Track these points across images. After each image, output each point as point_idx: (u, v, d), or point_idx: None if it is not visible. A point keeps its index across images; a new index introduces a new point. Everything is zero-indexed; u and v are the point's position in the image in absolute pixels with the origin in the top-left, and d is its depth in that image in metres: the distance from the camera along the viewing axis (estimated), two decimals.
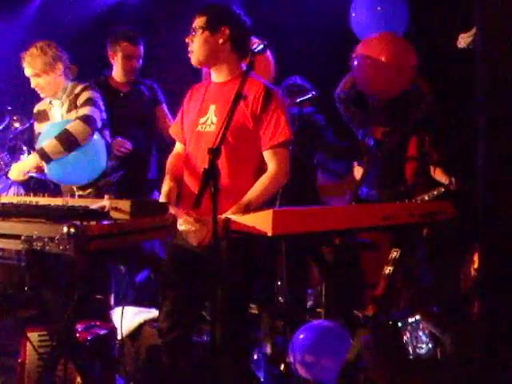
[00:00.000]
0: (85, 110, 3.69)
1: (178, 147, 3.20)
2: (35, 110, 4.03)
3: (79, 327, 3.14)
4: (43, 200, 2.59)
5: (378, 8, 4.41)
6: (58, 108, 3.88)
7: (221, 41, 2.93)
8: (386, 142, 4.42)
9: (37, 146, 3.75)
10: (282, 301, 4.05)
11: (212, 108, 2.98)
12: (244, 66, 2.99)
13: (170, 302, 3.04)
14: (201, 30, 2.92)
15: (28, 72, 3.79)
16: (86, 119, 3.65)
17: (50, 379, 2.79)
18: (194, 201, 2.36)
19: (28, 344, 3.07)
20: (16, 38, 5.58)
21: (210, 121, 2.97)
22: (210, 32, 2.92)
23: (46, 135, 3.73)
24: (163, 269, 3.20)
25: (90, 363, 3.09)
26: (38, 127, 3.99)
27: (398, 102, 4.29)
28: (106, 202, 2.36)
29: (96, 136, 3.75)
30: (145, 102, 4.50)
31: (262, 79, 3.01)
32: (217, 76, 3.03)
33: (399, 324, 3.55)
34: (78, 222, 2.18)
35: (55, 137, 3.59)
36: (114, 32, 4.43)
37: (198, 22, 2.95)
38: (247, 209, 2.71)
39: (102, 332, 3.23)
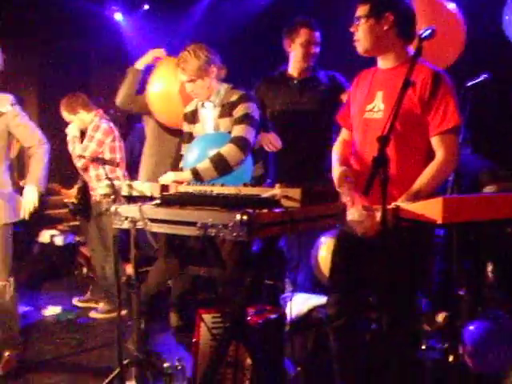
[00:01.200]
0: (240, 131, 3.59)
1: (345, 134, 3.21)
2: (186, 110, 3.99)
3: (251, 311, 3.23)
4: (217, 189, 2.69)
5: None
6: (210, 111, 3.81)
7: (386, 27, 2.88)
8: None
9: (186, 161, 3.74)
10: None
11: (379, 95, 2.95)
12: (411, 51, 2.92)
13: (337, 289, 3.07)
14: (365, 19, 2.90)
15: (182, 78, 3.76)
16: (241, 143, 3.55)
17: (222, 359, 2.92)
18: (364, 189, 2.35)
19: (202, 325, 3.23)
20: (185, 37, 5.81)
21: (378, 107, 2.94)
22: (375, 19, 2.89)
23: (197, 148, 3.72)
24: (332, 256, 3.21)
25: (260, 346, 3.16)
26: (188, 127, 3.95)
27: None
28: (277, 191, 2.41)
29: None
30: (322, 91, 4.42)
31: (430, 64, 2.91)
32: (383, 62, 2.99)
33: None
34: (250, 210, 2.26)
35: (210, 159, 3.52)
36: (291, 20, 4.43)
37: (362, 10, 2.92)
38: (417, 197, 2.65)
39: (273, 316, 3.29)
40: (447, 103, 2.80)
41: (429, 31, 2.64)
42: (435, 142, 2.84)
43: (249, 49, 6.36)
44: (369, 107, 2.97)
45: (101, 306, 5.47)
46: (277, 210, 2.37)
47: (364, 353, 3.13)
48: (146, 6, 7.78)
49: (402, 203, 2.51)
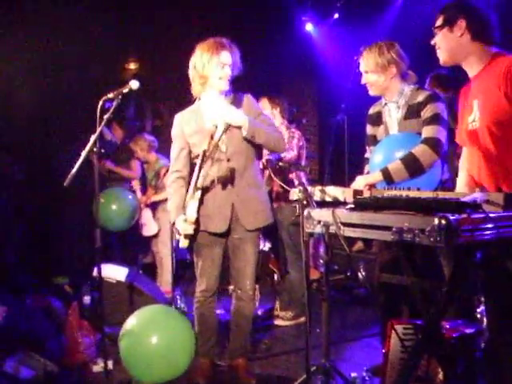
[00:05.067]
0: (432, 132, 3.49)
1: (464, 151, 3.18)
2: (370, 111, 3.94)
3: (446, 324, 3.09)
4: (413, 193, 2.61)
5: None
6: (394, 112, 3.74)
7: (459, 34, 2.89)
8: None
9: (372, 164, 3.68)
10: None
11: (475, 104, 2.88)
12: (494, 49, 2.88)
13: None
14: (440, 29, 2.94)
15: (361, 67, 3.75)
16: (434, 144, 3.46)
17: (412, 373, 2.81)
18: None
19: (393, 335, 3.13)
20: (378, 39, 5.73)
21: (475, 117, 2.88)
22: (448, 28, 2.91)
23: (383, 150, 3.65)
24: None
25: (453, 361, 3.01)
26: (371, 130, 3.91)
27: None
28: (477, 195, 2.29)
29: None
30: None
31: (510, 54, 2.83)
32: (470, 70, 2.97)
33: None
34: (449, 215, 2.15)
35: (401, 160, 3.45)
36: None
37: (438, 22, 2.97)
38: None
39: (469, 331, 3.13)
40: None
41: None
42: None
43: None
44: (470, 119, 2.92)
45: (283, 313, 5.52)
46: (477, 216, 2.23)
47: None
48: (336, 15, 7.84)
49: None
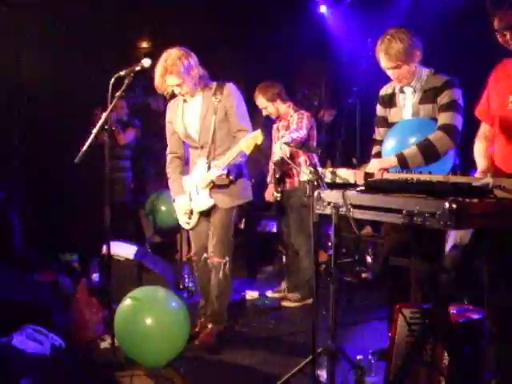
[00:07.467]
0: (449, 118, 3.45)
1: (485, 129, 3.13)
2: (382, 92, 3.86)
3: (452, 309, 3.09)
4: (424, 176, 2.59)
5: None
6: (410, 96, 3.66)
7: None
8: None
9: (385, 147, 3.66)
10: None
11: None
12: None
13: None
14: None
15: (386, 65, 3.57)
16: (451, 131, 3.42)
17: (418, 357, 2.81)
18: None
19: (400, 319, 3.12)
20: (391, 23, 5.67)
21: None
22: None
23: (397, 134, 3.62)
24: None
25: (459, 346, 3.01)
26: (382, 111, 3.84)
27: None
28: (489, 180, 2.27)
29: None
30: None
31: None
32: None
33: None
34: (460, 199, 2.14)
35: (417, 146, 3.42)
36: None
37: None
38: None
39: (476, 317, 3.12)
40: None
41: None
42: None
43: (458, 39, 6.10)
44: None
45: (290, 295, 5.53)
46: (489, 200, 2.22)
47: None
48: None
49: None
